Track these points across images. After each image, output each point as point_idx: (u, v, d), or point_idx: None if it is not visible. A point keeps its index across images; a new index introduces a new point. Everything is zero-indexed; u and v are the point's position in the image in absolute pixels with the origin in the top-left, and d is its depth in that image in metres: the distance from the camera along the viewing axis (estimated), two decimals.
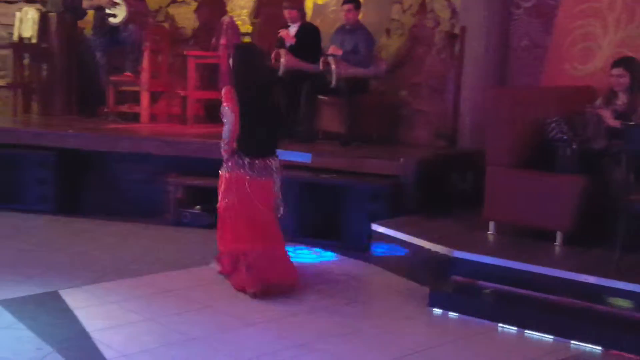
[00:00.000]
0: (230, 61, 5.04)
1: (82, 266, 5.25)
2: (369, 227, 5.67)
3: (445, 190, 6.24)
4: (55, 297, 4.54)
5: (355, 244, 5.84)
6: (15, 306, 4.32)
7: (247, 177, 4.83)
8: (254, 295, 4.67)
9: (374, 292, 5.01)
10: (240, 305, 4.59)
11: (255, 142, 4.87)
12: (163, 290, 4.80)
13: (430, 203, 6.03)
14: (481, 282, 4.73)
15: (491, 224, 5.33)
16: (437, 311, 4.57)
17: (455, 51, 7.18)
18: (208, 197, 6.46)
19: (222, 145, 4.89)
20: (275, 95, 5.06)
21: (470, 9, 7.02)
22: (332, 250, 5.84)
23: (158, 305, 4.53)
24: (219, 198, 4.95)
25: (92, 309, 4.37)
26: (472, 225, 5.48)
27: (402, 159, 6.07)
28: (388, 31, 7.80)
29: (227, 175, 4.89)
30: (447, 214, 5.93)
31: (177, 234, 6.32)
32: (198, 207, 6.41)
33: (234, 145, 4.85)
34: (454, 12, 7.33)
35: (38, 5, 8.57)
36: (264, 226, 4.87)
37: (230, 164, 4.88)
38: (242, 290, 4.76)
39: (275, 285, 4.76)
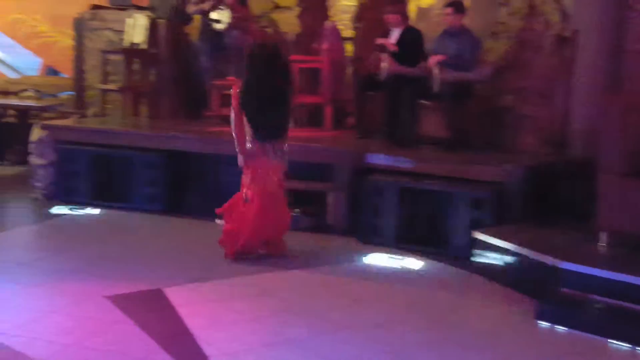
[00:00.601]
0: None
1: (187, 265, 5.37)
2: (472, 234, 5.54)
3: (552, 198, 6.00)
4: (159, 294, 4.66)
5: (457, 252, 5.71)
6: (123, 302, 4.46)
7: (271, 162, 5.45)
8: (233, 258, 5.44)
9: (477, 303, 4.86)
10: (338, 309, 4.57)
11: (269, 126, 5.43)
12: (263, 291, 4.85)
13: (537, 211, 5.82)
14: (591, 296, 4.51)
15: (603, 235, 5.08)
16: (544, 324, 4.40)
17: (565, 55, 6.91)
18: (308, 200, 6.51)
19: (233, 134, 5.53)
20: (284, 79, 5.54)
21: (582, 12, 6.75)
22: (433, 258, 5.73)
23: (258, 305, 4.58)
24: (245, 187, 5.50)
25: (194, 307, 4.46)
26: (582, 236, 5.26)
27: (507, 166, 5.89)
28: (494, 34, 7.60)
29: (253, 164, 5.44)
30: (555, 224, 5.70)
31: None
32: (297, 209, 6.43)
33: (244, 136, 5.44)
34: (564, 16, 7.06)
35: (148, 12, 8.87)
36: (277, 200, 5.52)
37: (255, 151, 5.43)
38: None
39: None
